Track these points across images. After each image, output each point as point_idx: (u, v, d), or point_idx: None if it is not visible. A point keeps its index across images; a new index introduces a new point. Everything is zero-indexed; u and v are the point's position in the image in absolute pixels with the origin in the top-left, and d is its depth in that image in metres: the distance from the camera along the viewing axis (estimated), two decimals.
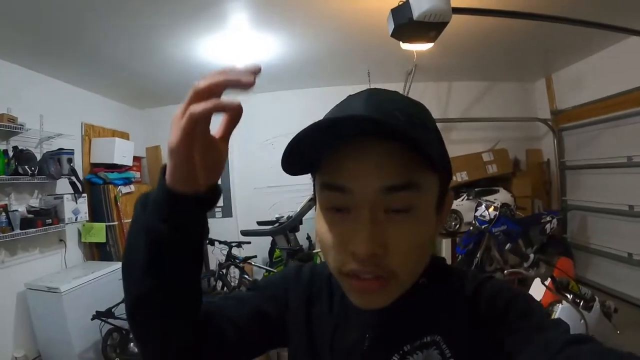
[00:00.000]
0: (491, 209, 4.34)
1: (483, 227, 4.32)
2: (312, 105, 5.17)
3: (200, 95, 0.46)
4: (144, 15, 2.98)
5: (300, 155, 0.52)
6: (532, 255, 2.43)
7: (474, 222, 4.43)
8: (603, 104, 4.51)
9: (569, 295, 2.20)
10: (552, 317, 1.94)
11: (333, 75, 4.93)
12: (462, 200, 4.92)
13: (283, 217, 5.06)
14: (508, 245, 4.21)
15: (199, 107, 0.44)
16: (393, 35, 2.53)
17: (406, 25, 2.39)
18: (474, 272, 0.67)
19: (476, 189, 5.00)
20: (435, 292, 0.64)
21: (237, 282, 4.25)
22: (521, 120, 5.48)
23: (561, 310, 2.14)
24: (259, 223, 5.16)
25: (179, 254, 0.53)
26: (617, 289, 4.39)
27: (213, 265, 4.96)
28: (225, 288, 4.21)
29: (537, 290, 2.28)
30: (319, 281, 0.76)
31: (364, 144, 0.51)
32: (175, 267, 0.53)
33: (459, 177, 4.97)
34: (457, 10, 2.34)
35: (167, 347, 0.60)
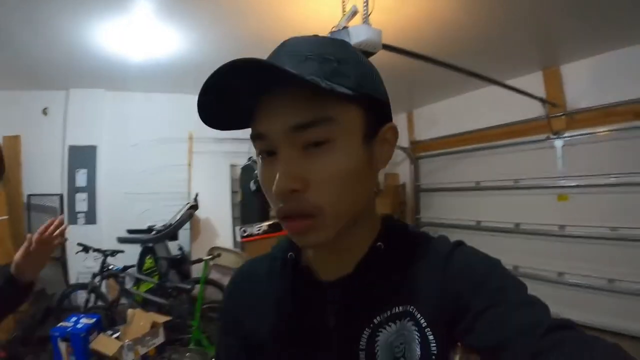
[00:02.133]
0: None
1: None
2: (190, 113, 5.06)
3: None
4: None
5: (224, 109, 0.57)
6: None
7: None
8: (455, 138, 5.46)
9: None
10: None
11: None
12: None
13: (156, 225, 4.81)
14: None
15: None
16: None
17: None
18: (444, 237, 0.66)
19: None
20: (399, 257, 0.63)
21: (117, 294, 3.89)
22: None
23: None
24: (130, 231, 4.81)
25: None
26: None
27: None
28: (99, 301, 3.83)
29: None
30: (255, 278, 0.75)
31: (275, 92, 0.54)
32: None
33: None
34: (385, 47, 2.66)
35: None
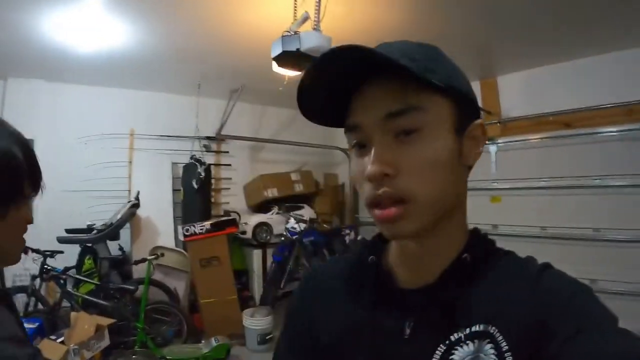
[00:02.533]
0: (301, 223, 4.92)
1: (294, 237, 4.84)
2: (135, 108, 4.97)
3: None
4: None
5: (322, 104, 0.61)
6: None
7: (285, 233, 4.91)
8: None
9: None
10: None
11: (164, 80, 4.72)
12: (272, 214, 5.32)
13: (95, 224, 4.64)
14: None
15: None
16: (276, 58, 2.78)
17: (291, 53, 2.69)
18: (532, 258, 0.64)
19: (286, 204, 5.49)
20: (484, 273, 0.61)
21: (58, 296, 3.72)
22: (323, 147, 6.21)
23: None
24: (69, 231, 4.60)
25: None
26: None
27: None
28: (40, 305, 3.66)
29: None
30: (331, 279, 0.74)
31: (368, 85, 0.58)
32: None
33: (270, 192, 5.38)
34: None
35: None
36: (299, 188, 5.69)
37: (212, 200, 4.76)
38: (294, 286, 3.95)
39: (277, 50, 2.75)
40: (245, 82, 4.42)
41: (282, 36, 2.70)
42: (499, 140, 4.55)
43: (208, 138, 4.87)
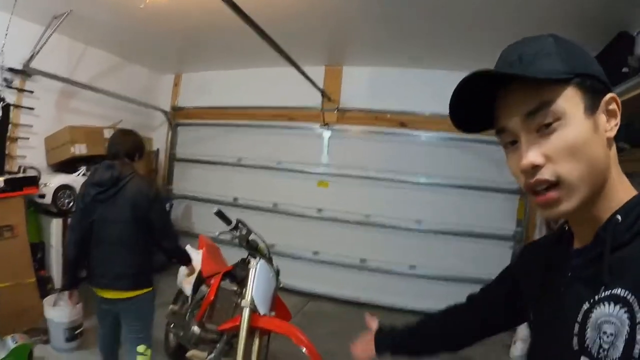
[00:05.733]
0: None
1: None
2: None
3: None
4: None
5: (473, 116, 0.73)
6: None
7: None
8: (225, 111, 5.41)
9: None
10: (254, 270, 2.34)
11: None
12: (79, 175, 4.40)
13: None
14: None
15: None
16: None
17: None
18: None
19: (95, 166, 4.59)
20: (635, 236, 0.61)
21: None
22: (145, 105, 5.46)
23: (261, 264, 2.43)
24: None
25: None
26: None
27: None
28: None
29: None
30: (539, 246, 0.92)
31: (506, 91, 0.68)
32: None
33: (78, 149, 4.42)
34: None
35: None
36: None
37: (6, 151, 3.53)
38: None
39: None
40: (75, 7, 3.44)
41: None
42: (335, 127, 4.84)
43: (12, 70, 3.56)
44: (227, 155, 5.37)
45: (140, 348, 2.32)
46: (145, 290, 2.32)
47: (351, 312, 4.34)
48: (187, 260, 2.71)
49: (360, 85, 4.78)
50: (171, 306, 2.99)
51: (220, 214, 2.41)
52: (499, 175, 4.20)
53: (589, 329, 0.61)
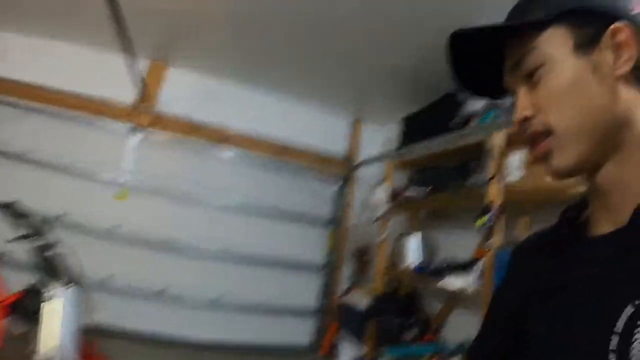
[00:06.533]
0: None
1: None
2: None
3: None
4: None
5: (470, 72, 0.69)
6: None
7: None
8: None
9: None
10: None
11: None
12: None
13: None
14: None
15: None
16: None
17: None
18: None
19: None
20: None
21: None
22: None
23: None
24: None
25: None
26: None
27: None
28: None
29: None
30: (540, 240, 0.74)
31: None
32: None
33: None
34: None
35: None
36: None
37: None
38: None
39: None
40: None
41: None
42: (148, 130, 4.08)
43: None
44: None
45: None
46: None
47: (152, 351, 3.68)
48: None
49: (185, 90, 4.22)
50: None
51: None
52: (312, 204, 4.19)
53: (636, 342, 0.44)
